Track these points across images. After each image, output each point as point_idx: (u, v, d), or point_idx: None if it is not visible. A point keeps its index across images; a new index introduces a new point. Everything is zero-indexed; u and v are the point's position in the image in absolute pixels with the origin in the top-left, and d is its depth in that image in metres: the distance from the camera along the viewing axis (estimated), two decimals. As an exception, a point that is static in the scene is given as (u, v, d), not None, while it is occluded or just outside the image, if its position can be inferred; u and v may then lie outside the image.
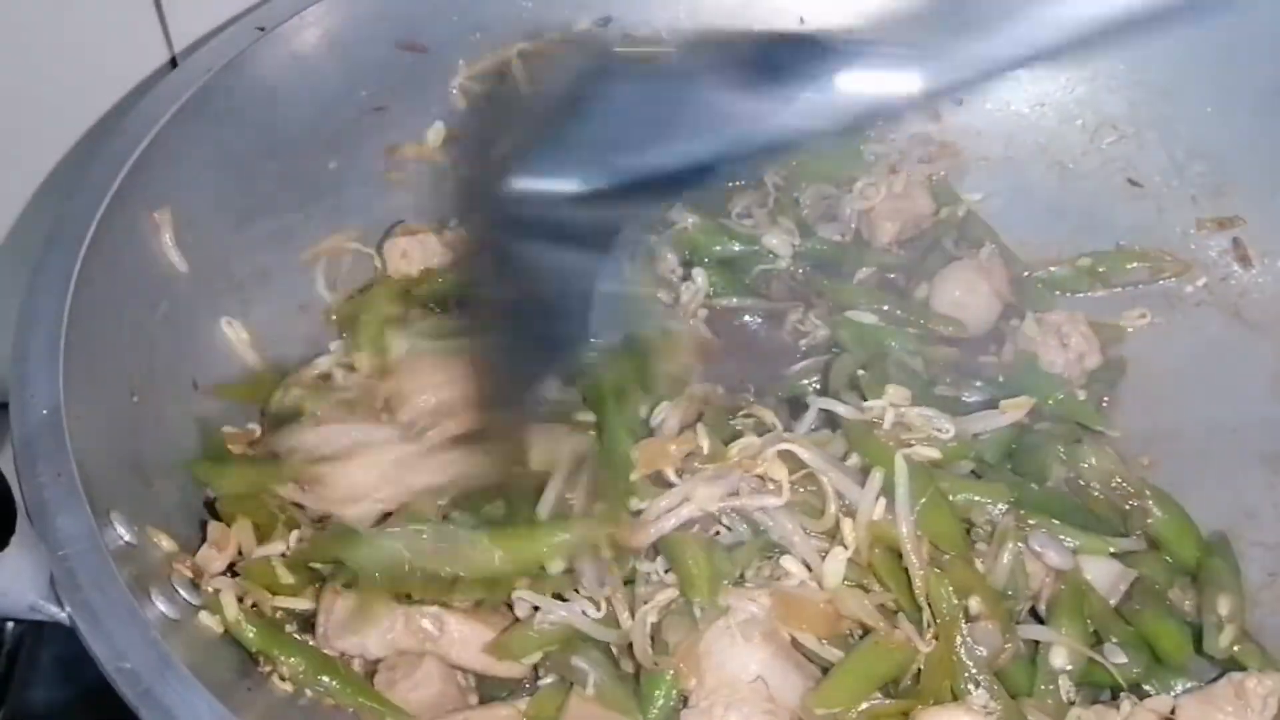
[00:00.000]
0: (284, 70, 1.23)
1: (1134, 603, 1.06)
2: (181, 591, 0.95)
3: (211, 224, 1.17)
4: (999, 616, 0.99)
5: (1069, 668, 1.00)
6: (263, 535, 1.05)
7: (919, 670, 0.98)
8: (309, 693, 0.98)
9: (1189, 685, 1.02)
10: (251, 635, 0.97)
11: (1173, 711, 0.98)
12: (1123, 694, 1.00)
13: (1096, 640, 1.04)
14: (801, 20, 1.43)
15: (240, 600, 0.99)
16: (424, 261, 1.27)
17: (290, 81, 1.23)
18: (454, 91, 1.34)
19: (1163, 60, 1.33)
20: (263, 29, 1.21)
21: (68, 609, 0.85)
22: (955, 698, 0.96)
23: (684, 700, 0.98)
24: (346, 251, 1.29)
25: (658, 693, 0.97)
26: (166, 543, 0.97)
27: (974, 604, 0.99)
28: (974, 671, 0.97)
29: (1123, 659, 1.02)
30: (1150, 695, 1.01)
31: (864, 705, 0.96)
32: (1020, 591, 1.04)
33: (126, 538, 0.92)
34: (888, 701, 0.97)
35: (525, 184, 0.86)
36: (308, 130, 1.26)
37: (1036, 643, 1.03)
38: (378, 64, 1.29)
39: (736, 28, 1.41)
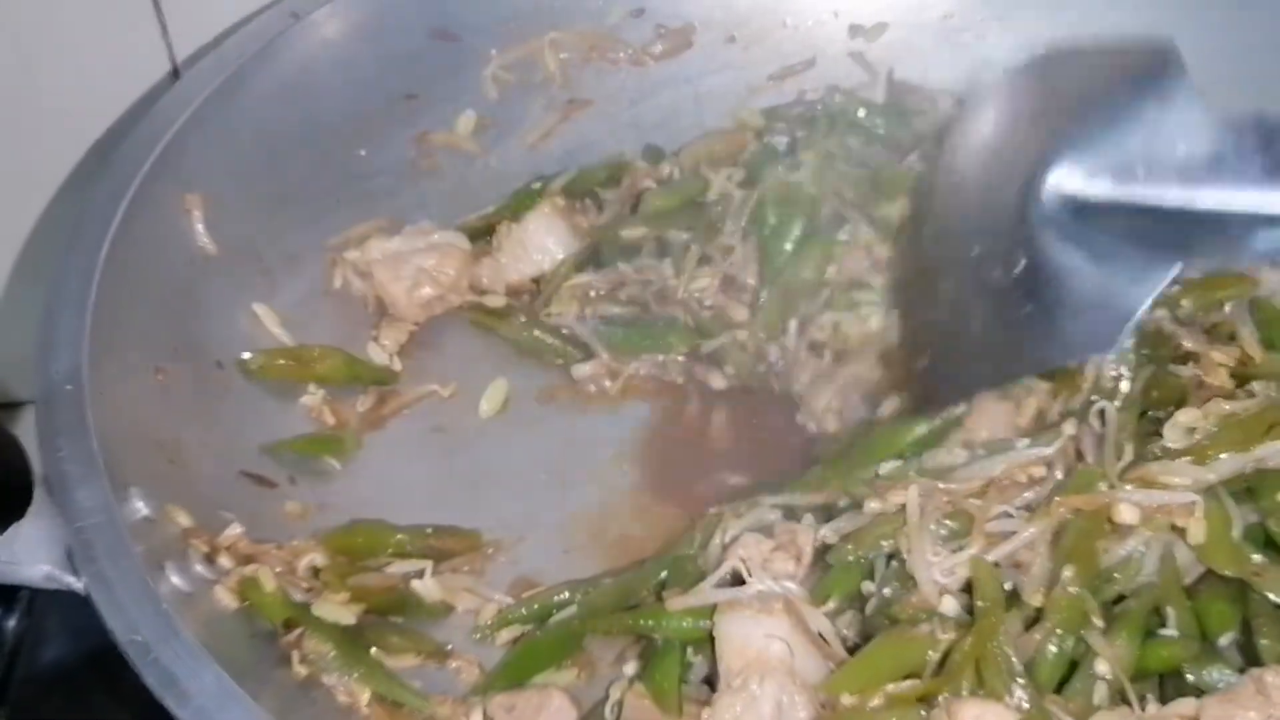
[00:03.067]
0: (316, 57, 1.24)
1: (1200, 582, 1.02)
2: (197, 566, 0.96)
3: (242, 208, 1.19)
4: (1080, 599, 0.96)
5: (1109, 678, 0.97)
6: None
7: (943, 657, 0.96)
8: (325, 680, 0.97)
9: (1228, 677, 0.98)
10: (283, 606, 0.98)
11: (1197, 716, 0.97)
12: (1147, 696, 0.98)
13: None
14: (836, 15, 1.43)
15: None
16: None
17: (322, 68, 1.25)
18: (486, 80, 1.35)
19: (1194, 58, 1.29)
20: (296, 15, 1.23)
21: (83, 579, 0.86)
22: (982, 683, 0.94)
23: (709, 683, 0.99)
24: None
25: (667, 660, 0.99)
26: (184, 519, 0.98)
27: (1068, 573, 0.96)
28: (1014, 665, 0.93)
29: (1173, 633, 0.99)
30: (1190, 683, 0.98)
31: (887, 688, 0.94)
32: (1125, 583, 1.00)
33: (145, 512, 0.93)
34: (907, 683, 0.94)
35: (1060, 181, 0.86)
36: (339, 117, 1.27)
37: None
38: (409, 52, 1.30)
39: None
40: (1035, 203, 0.87)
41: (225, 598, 0.96)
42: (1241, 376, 1.09)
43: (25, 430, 0.94)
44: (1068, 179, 0.86)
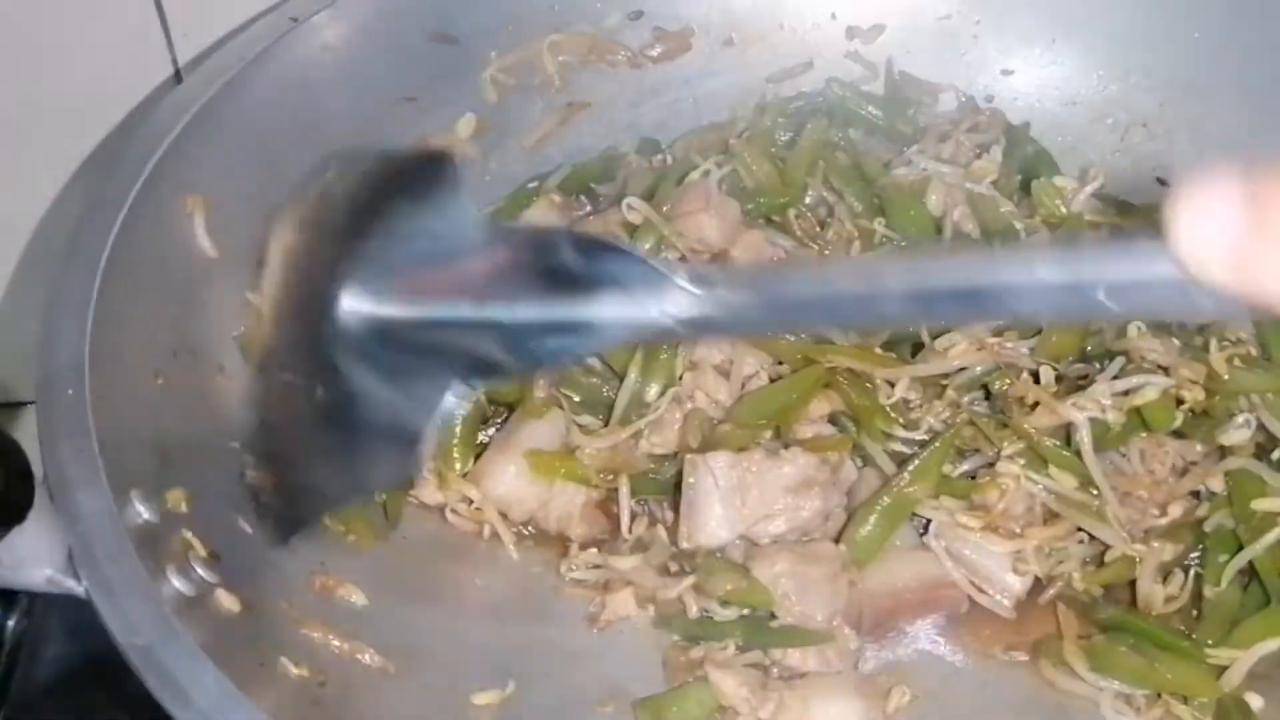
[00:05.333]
0: (315, 61, 1.24)
1: None
2: (199, 570, 0.96)
3: (242, 211, 1.18)
4: None
5: None
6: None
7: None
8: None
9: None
10: None
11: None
12: None
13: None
14: (833, 17, 1.44)
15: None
16: None
17: (321, 72, 1.25)
18: (485, 83, 1.35)
19: (1194, 59, 1.32)
20: (295, 19, 1.23)
21: (84, 583, 0.86)
22: None
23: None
24: (375, 241, 1.30)
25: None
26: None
27: None
28: None
29: None
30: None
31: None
32: None
33: (146, 516, 0.94)
34: None
35: (354, 302, 0.79)
36: (339, 121, 1.27)
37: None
38: (409, 55, 1.30)
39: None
40: (330, 326, 0.79)
41: (226, 601, 0.96)
42: (1210, 391, 1.11)
43: (25, 430, 0.94)
44: (360, 300, 0.79)
